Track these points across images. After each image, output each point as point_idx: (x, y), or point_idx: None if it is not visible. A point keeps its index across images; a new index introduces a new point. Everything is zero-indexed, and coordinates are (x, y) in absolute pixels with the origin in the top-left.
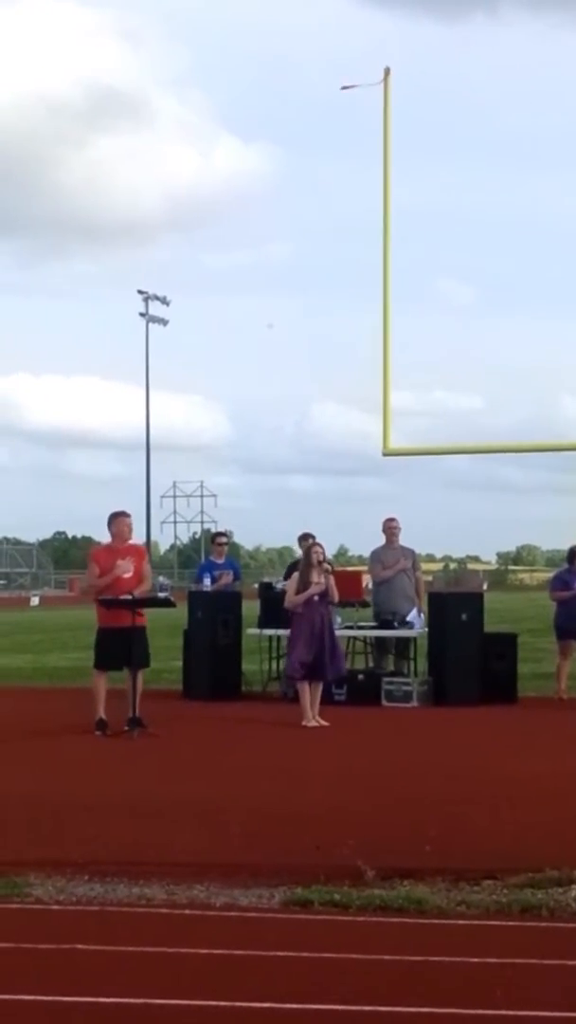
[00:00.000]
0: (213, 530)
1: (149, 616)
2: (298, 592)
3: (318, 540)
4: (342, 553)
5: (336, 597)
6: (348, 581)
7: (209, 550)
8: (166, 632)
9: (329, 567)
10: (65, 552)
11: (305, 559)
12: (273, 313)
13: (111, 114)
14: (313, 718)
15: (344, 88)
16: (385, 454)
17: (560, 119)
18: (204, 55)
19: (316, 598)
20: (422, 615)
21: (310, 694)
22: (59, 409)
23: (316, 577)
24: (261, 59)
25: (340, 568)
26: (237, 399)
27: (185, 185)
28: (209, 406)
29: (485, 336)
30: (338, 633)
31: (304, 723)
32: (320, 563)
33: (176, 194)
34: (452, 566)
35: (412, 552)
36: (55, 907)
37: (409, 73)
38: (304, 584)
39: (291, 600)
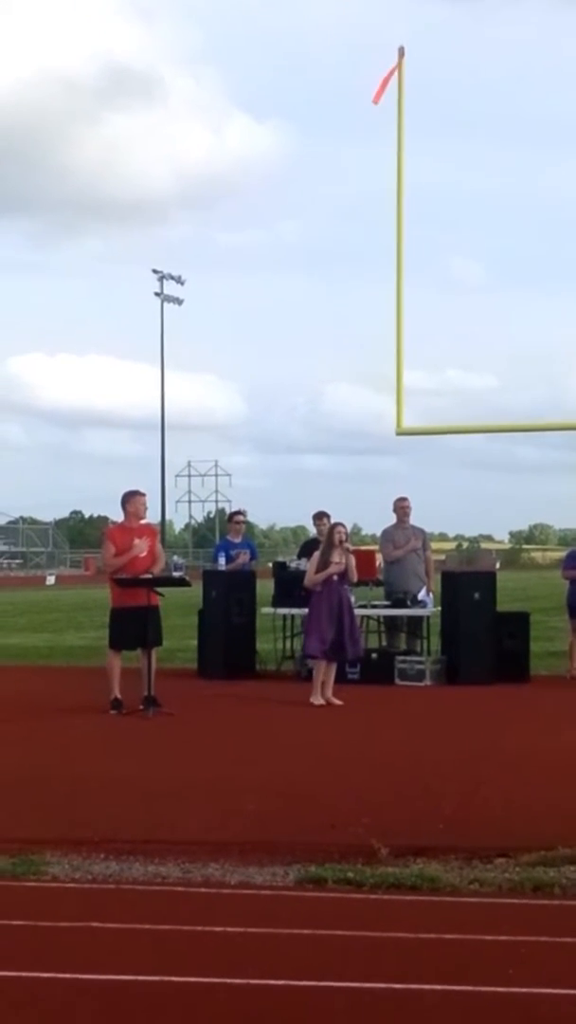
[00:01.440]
0: (228, 510)
1: (164, 595)
2: (318, 571)
3: (333, 519)
4: (355, 532)
5: (355, 577)
6: (362, 560)
7: (225, 529)
8: (181, 611)
9: (349, 547)
10: (80, 531)
11: (328, 539)
12: (286, 292)
13: (125, 92)
14: (323, 697)
15: (375, 102)
16: (399, 433)
17: (573, 98)
18: (217, 33)
19: (335, 578)
20: (431, 594)
21: (326, 674)
22: (74, 388)
23: (337, 557)
24: (274, 37)
25: (354, 548)
26: (251, 378)
27: (198, 163)
28: (223, 385)
29: (498, 315)
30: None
31: (312, 700)
32: (342, 543)
33: (189, 172)
34: (464, 545)
35: (423, 532)
36: (71, 885)
37: (421, 51)
38: (324, 564)
39: (311, 579)
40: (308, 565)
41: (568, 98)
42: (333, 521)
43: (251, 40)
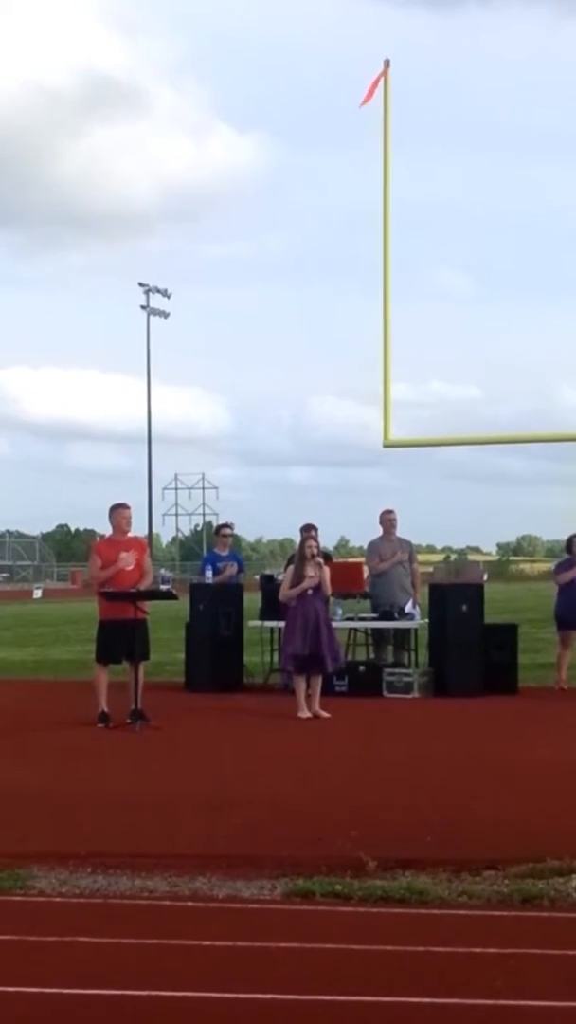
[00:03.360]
0: (215, 523)
1: (151, 608)
2: (292, 586)
3: (320, 532)
4: (343, 544)
5: (329, 590)
6: (350, 572)
7: (212, 542)
8: (168, 624)
9: (321, 562)
10: (67, 545)
11: (299, 553)
12: (271, 304)
13: (107, 104)
14: (310, 710)
15: (362, 105)
16: (386, 445)
17: (558, 109)
18: (200, 45)
19: (310, 592)
20: (417, 607)
21: (311, 687)
22: (59, 402)
23: (310, 571)
24: (257, 49)
25: (341, 560)
26: (236, 391)
27: (181, 176)
28: (209, 398)
29: (483, 327)
30: (339, 625)
31: (299, 715)
32: (314, 557)
33: (172, 185)
34: (452, 557)
35: (409, 544)
36: (58, 899)
37: (406, 63)
38: (298, 578)
39: (285, 594)
40: (283, 579)
41: (555, 110)
42: (305, 534)
43: (234, 51)
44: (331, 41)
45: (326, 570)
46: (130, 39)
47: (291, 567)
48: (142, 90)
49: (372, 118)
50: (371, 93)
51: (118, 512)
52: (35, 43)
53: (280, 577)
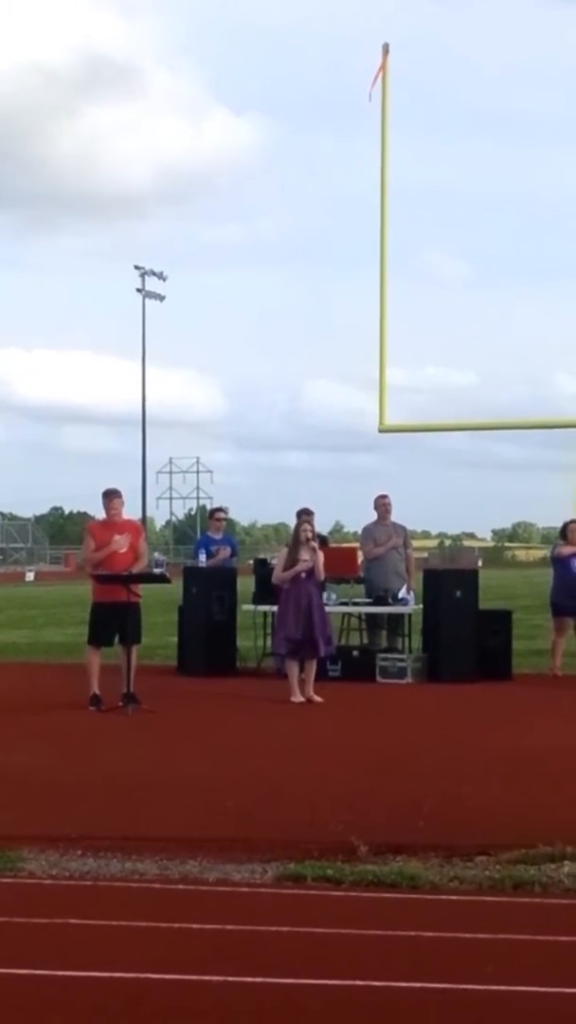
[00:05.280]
0: (209, 506)
1: (144, 591)
2: (286, 569)
3: (308, 516)
4: (337, 529)
5: (322, 575)
6: (344, 557)
7: (206, 526)
8: (161, 608)
9: (315, 546)
10: (61, 528)
11: (294, 536)
12: (266, 288)
13: (103, 84)
14: (303, 694)
15: (370, 95)
16: (381, 430)
17: (555, 94)
18: (197, 25)
19: (304, 575)
20: (412, 592)
21: (305, 671)
22: (52, 384)
23: (304, 555)
24: (253, 30)
25: (336, 544)
26: (231, 374)
27: (177, 157)
28: (203, 381)
29: (478, 312)
30: (332, 610)
31: (292, 699)
32: (308, 541)
33: (168, 166)
34: (447, 543)
35: (404, 529)
36: (48, 882)
37: (404, 46)
38: (292, 561)
39: (278, 577)
40: (276, 562)
41: (553, 96)
42: (303, 518)
43: (231, 33)
44: (329, 23)
45: (320, 554)
46: (127, 19)
47: (284, 550)
48: (139, 71)
49: (369, 102)
50: (376, 82)
51: (109, 499)
52: (32, 22)
53: (274, 561)
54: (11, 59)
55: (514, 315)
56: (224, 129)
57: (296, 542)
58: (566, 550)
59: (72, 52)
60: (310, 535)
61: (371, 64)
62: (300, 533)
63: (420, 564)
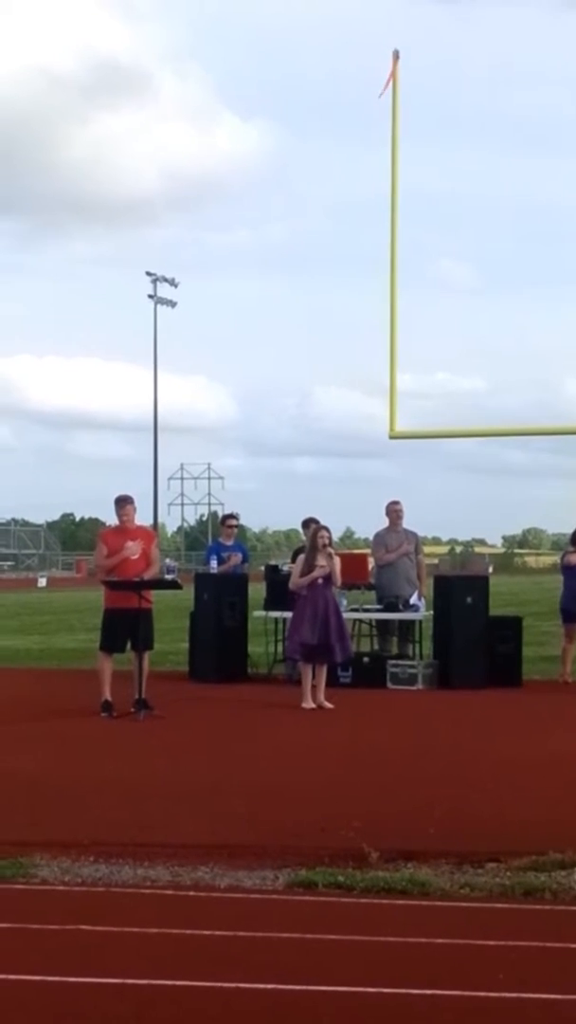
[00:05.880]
0: (221, 513)
1: (155, 597)
2: (302, 575)
3: (325, 522)
4: (348, 536)
5: (339, 581)
6: (354, 564)
7: (218, 532)
8: (173, 614)
9: (332, 552)
10: (72, 534)
11: (311, 543)
12: (275, 294)
13: (112, 90)
14: (314, 700)
15: (381, 95)
16: (392, 437)
17: (563, 99)
18: (204, 31)
19: (320, 581)
20: (423, 599)
21: (316, 677)
22: (63, 391)
23: (321, 561)
24: (262, 35)
25: (346, 551)
26: (240, 380)
27: (185, 163)
28: (213, 387)
29: (487, 318)
30: (343, 616)
31: (303, 705)
32: (325, 547)
33: (176, 172)
34: (458, 549)
35: (415, 535)
36: (60, 888)
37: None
38: (309, 567)
39: (295, 582)
40: (293, 569)
41: (561, 102)
42: (310, 527)
43: (238, 38)
44: (336, 28)
45: (337, 560)
46: (135, 25)
47: (301, 556)
48: (147, 76)
49: (377, 107)
50: (388, 85)
51: (121, 506)
52: (39, 28)
53: (285, 567)
54: (19, 64)
55: (524, 321)
56: (232, 135)
57: (313, 548)
58: (575, 559)
59: (80, 58)
60: (327, 541)
61: (379, 69)
62: (317, 539)
63: (431, 570)
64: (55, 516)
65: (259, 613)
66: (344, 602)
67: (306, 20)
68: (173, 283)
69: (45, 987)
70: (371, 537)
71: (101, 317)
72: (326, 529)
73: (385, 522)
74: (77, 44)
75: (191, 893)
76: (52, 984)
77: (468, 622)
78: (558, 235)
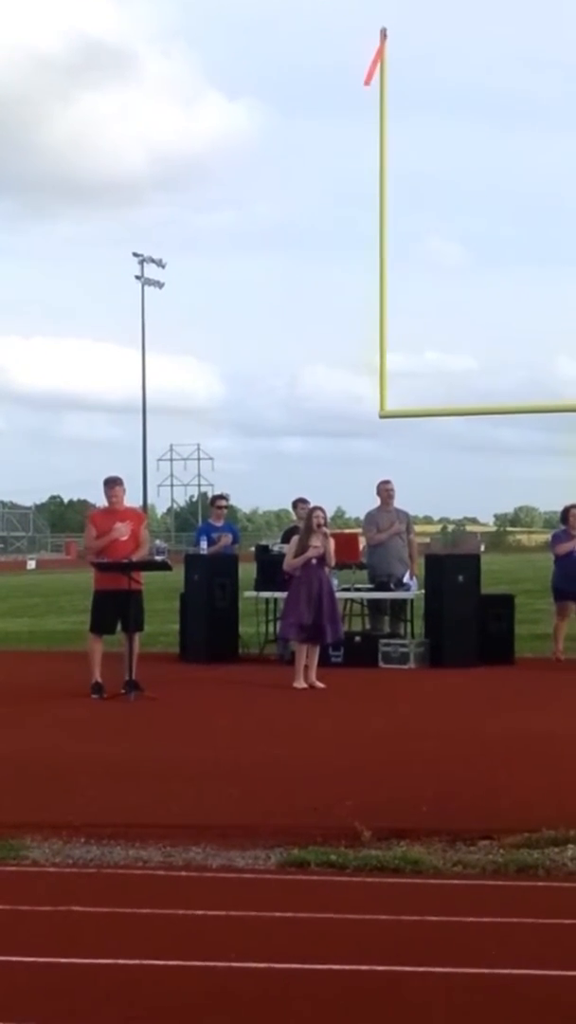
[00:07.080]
0: (211, 493)
1: (146, 579)
2: (296, 555)
3: (316, 502)
4: (339, 515)
5: (333, 561)
6: (346, 543)
7: (208, 513)
8: (163, 595)
9: (327, 532)
10: (61, 516)
11: (306, 523)
12: (263, 273)
13: (97, 69)
14: (307, 680)
15: (367, 83)
16: (382, 416)
17: (552, 78)
18: (190, 9)
19: (314, 562)
20: (415, 578)
21: (308, 657)
22: (51, 372)
23: (316, 541)
24: (248, 14)
25: (337, 531)
26: (229, 360)
27: (171, 143)
28: (201, 368)
29: (477, 296)
30: (336, 595)
31: (295, 685)
32: (320, 527)
33: (162, 152)
34: (449, 528)
35: (406, 515)
36: (52, 869)
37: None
38: (303, 548)
39: (289, 563)
40: (287, 549)
41: (549, 80)
42: (312, 505)
43: (224, 16)
44: (323, 6)
45: (331, 541)
46: (120, 3)
47: (295, 537)
48: (132, 56)
49: (361, 83)
50: (373, 69)
51: (110, 487)
52: (24, 8)
53: (276, 548)
54: (4, 44)
55: (513, 300)
56: (219, 114)
57: (307, 528)
58: (561, 549)
59: (65, 37)
60: (321, 521)
61: (367, 47)
62: (312, 520)
63: (422, 549)
64: (44, 498)
65: (250, 593)
66: (336, 582)
67: None
68: (160, 264)
69: (38, 968)
70: (362, 517)
71: (88, 298)
72: (321, 509)
73: (376, 502)
74: (62, 23)
75: (183, 873)
76: (45, 965)
77: (460, 600)
78: (548, 214)
